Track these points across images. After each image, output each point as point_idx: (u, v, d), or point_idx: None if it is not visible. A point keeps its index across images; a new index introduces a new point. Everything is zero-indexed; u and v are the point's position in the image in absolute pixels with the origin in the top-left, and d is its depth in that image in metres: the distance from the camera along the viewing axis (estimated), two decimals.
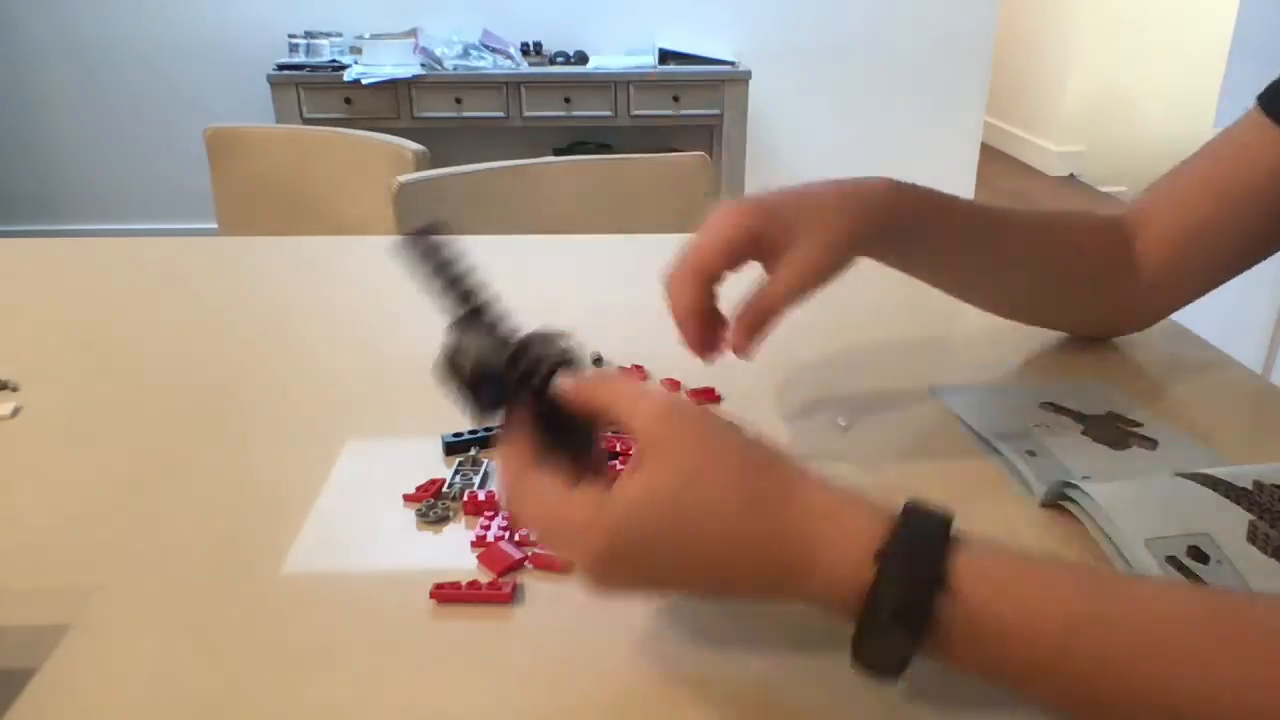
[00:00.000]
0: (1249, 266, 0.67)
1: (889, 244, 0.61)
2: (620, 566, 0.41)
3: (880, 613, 0.37)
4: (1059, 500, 0.55)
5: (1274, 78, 0.65)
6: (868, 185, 0.60)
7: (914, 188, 0.61)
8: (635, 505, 0.40)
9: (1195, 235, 0.65)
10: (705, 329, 0.57)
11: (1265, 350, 2.03)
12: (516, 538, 0.52)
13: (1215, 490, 0.52)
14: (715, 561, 0.40)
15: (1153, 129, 4.46)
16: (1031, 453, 0.60)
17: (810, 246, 0.56)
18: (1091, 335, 0.74)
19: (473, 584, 0.48)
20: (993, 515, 0.55)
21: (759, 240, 0.57)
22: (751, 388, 0.69)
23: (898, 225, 0.60)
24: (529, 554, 0.51)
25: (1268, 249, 0.66)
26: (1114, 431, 0.63)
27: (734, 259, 0.57)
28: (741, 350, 0.58)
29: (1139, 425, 0.64)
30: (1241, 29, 2.24)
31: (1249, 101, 0.67)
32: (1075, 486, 0.54)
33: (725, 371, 0.71)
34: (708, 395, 0.68)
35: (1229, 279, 0.68)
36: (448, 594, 0.48)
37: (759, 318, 0.57)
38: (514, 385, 0.43)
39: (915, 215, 0.61)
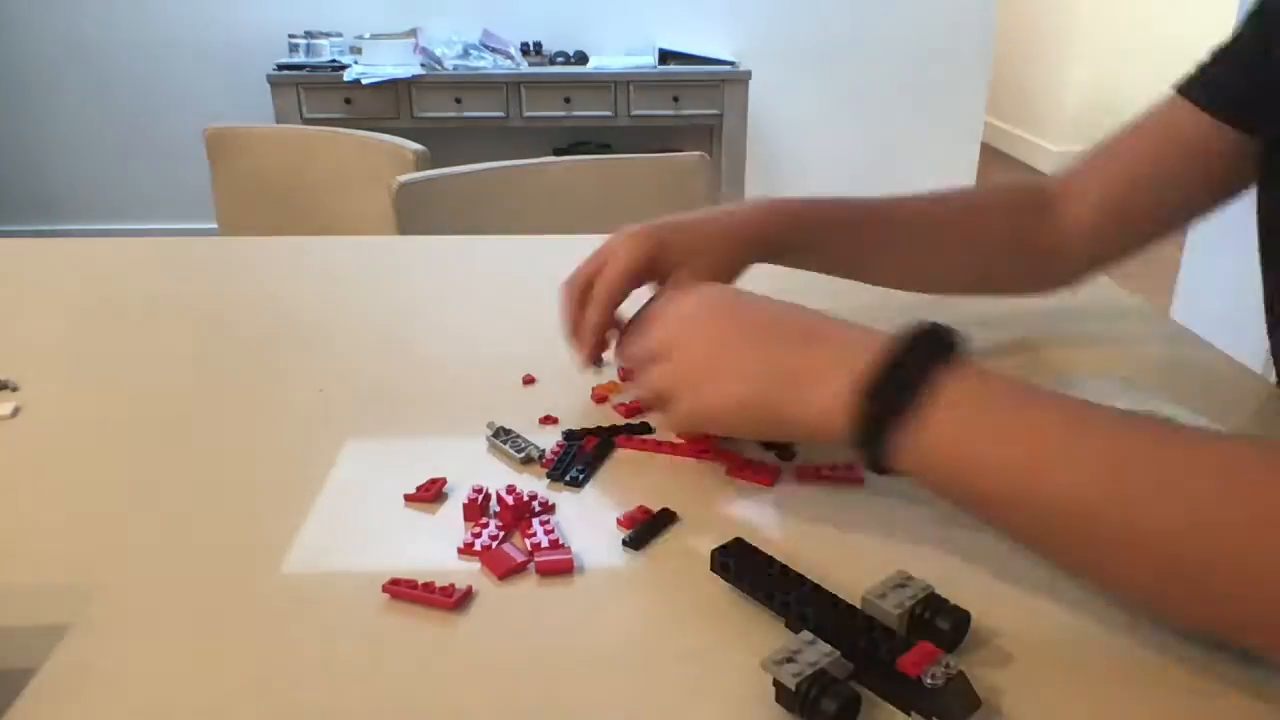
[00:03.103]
0: (1170, 234, 0.74)
1: (779, 259, 0.70)
2: (711, 309, 0.55)
3: (875, 384, 0.45)
4: None
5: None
6: (744, 214, 0.69)
7: (794, 204, 0.70)
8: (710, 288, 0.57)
9: (1124, 205, 0.72)
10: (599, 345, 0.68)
11: (1265, 350, 2.03)
12: (529, 545, 0.52)
13: None
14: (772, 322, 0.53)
15: None
16: None
17: (698, 276, 0.64)
18: (1013, 295, 0.79)
19: (427, 585, 0.48)
20: None
21: (654, 268, 0.66)
22: None
23: (781, 244, 0.69)
24: (534, 558, 0.51)
25: (1188, 219, 0.74)
26: None
27: (634, 285, 0.66)
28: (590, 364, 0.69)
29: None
30: None
31: None
32: None
33: None
34: None
35: (1151, 245, 0.74)
36: (400, 591, 0.48)
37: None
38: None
39: (796, 231, 0.69)
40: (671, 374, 0.55)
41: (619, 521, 0.54)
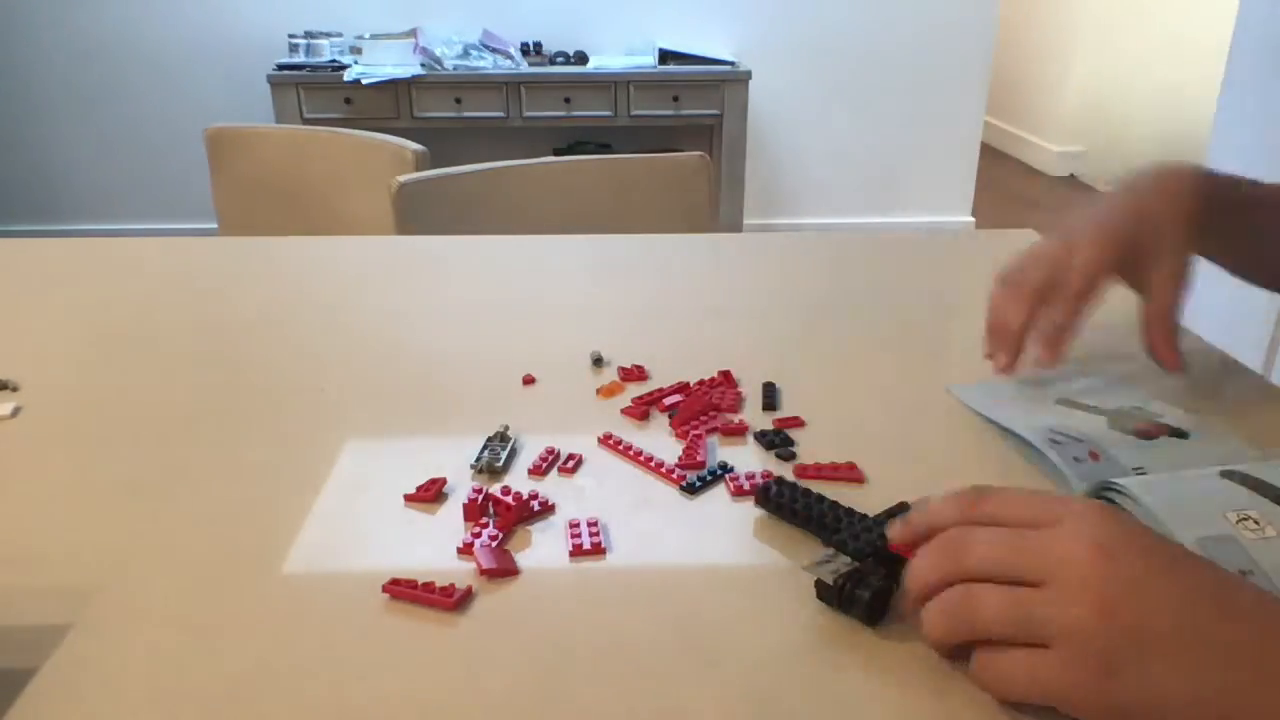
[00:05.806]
0: None
1: (1210, 236, 0.62)
2: (1134, 551, 0.38)
3: None
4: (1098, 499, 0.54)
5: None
6: (1185, 192, 0.61)
7: (1215, 180, 0.62)
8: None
9: None
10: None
11: (1265, 350, 2.03)
12: (569, 535, 0.52)
13: (1261, 494, 0.51)
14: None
15: (1153, 129, 4.46)
16: (1061, 445, 0.60)
17: (1175, 257, 0.59)
18: None
19: (427, 585, 0.48)
20: None
21: (1124, 270, 0.60)
22: (755, 390, 0.69)
23: (1211, 230, 0.61)
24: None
25: None
26: (1139, 423, 0.63)
27: (1104, 288, 0.60)
28: (1176, 365, 0.62)
29: (1160, 416, 0.64)
30: (1242, 28, 2.24)
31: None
32: (1116, 489, 0.53)
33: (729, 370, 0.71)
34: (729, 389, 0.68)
35: None
36: (400, 591, 0.48)
37: (1170, 330, 0.61)
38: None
39: (1223, 214, 0.62)
40: (1110, 631, 0.37)
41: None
